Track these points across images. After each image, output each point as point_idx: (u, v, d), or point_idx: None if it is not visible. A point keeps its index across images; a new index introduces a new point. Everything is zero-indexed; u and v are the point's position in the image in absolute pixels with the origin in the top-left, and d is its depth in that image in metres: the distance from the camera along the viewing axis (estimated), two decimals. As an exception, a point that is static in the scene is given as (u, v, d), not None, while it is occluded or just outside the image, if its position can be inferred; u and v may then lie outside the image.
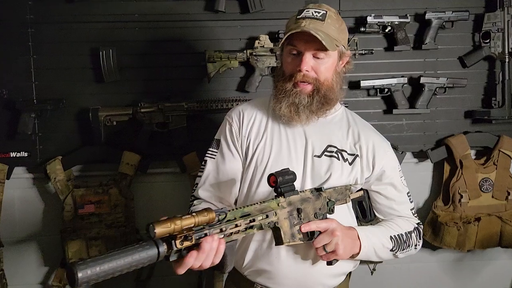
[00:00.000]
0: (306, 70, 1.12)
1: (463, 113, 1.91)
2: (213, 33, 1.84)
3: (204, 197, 1.24)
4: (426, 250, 1.97)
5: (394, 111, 1.86)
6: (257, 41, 1.81)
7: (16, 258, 1.87)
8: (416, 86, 1.88)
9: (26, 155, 1.84)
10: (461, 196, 1.86)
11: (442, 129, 1.91)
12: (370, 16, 1.81)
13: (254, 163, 1.19)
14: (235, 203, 1.25)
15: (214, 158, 1.25)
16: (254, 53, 1.81)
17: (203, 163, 1.27)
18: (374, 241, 1.14)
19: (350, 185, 1.19)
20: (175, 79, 1.85)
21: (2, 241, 1.82)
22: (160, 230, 0.75)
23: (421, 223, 1.28)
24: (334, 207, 1.12)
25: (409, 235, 1.21)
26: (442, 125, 1.91)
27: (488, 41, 1.83)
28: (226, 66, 1.81)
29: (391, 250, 1.18)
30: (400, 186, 1.24)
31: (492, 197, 1.88)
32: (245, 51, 1.80)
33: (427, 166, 1.96)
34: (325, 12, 1.12)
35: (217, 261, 0.89)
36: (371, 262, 1.74)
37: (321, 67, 1.13)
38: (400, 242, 1.19)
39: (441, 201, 1.91)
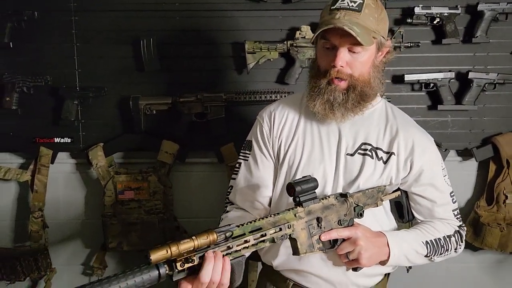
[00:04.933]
0: (341, 66, 1.11)
1: (513, 111, 1.93)
2: (253, 23, 1.92)
3: (237, 202, 1.30)
4: (466, 251, 2.01)
5: (439, 107, 1.89)
6: (298, 32, 1.87)
7: (60, 239, 2.08)
8: (463, 81, 1.90)
9: (70, 141, 2.00)
10: (506, 197, 1.90)
11: (489, 127, 1.93)
12: (418, 6, 1.83)
13: (286, 165, 1.23)
14: (270, 205, 1.28)
15: (247, 161, 1.29)
16: (295, 44, 1.87)
17: (237, 166, 1.32)
18: (406, 248, 1.15)
19: (384, 186, 1.19)
20: (214, 69, 1.95)
21: (47, 222, 2.01)
22: (155, 257, 0.81)
23: (463, 225, 1.29)
24: (363, 212, 1.14)
25: (447, 239, 1.22)
26: (490, 123, 1.93)
27: (545, 35, 1.83)
28: (265, 57, 1.89)
29: (426, 256, 1.19)
30: (442, 187, 1.23)
31: (540, 199, 1.90)
32: (285, 42, 1.87)
33: (472, 165, 2.00)
34: (362, 1, 1.09)
35: (226, 280, 0.92)
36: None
37: (357, 62, 1.12)
38: (437, 247, 1.20)
39: (484, 201, 1.95)
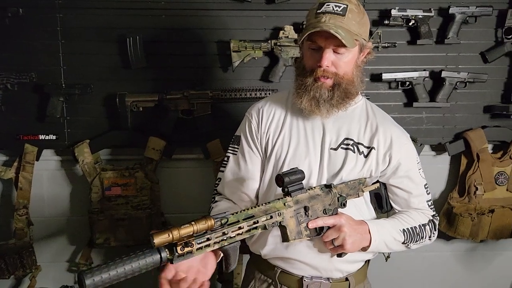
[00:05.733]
0: (327, 66, 1.19)
1: (482, 108, 2.06)
2: (238, 23, 1.99)
3: (225, 194, 1.37)
4: (440, 240, 2.16)
5: (415, 104, 2.01)
6: (281, 32, 1.95)
7: (45, 236, 2.10)
8: (437, 80, 2.02)
9: (55, 138, 2.01)
10: (477, 189, 2.03)
11: (461, 123, 2.06)
12: (395, 9, 1.94)
13: (273, 159, 1.30)
14: (257, 197, 1.35)
15: (235, 155, 1.36)
16: (279, 44, 1.95)
17: (225, 159, 1.39)
18: (385, 235, 1.25)
19: (365, 178, 1.28)
20: (200, 67, 2.01)
21: (31, 219, 2.02)
22: (159, 240, 0.88)
23: (436, 214, 1.39)
24: (346, 202, 1.23)
25: (422, 227, 1.32)
26: (461, 119, 2.06)
27: (510, 37, 1.98)
28: (250, 55, 1.96)
29: (403, 243, 1.29)
30: (417, 179, 1.33)
31: (507, 190, 2.05)
32: (269, 41, 1.95)
33: (445, 159, 2.13)
34: (345, 6, 1.17)
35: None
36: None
37: (341, 62, 1.20)
38: (413, 235, 1.29)
39: (457, 193, 2.09)
